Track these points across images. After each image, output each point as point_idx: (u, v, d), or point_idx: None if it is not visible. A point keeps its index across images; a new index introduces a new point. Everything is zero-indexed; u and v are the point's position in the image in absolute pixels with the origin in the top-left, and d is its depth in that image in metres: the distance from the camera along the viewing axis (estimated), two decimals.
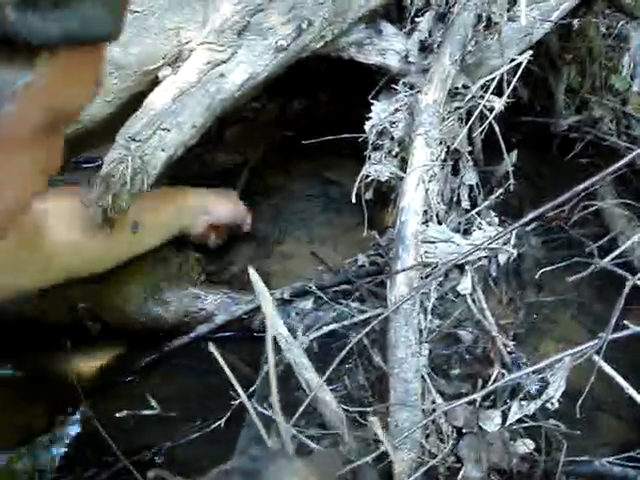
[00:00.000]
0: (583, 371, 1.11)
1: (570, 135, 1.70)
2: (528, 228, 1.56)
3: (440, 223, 1.39)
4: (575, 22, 1.68)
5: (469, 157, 1.38)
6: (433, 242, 1.36)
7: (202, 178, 1.62)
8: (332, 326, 1.30)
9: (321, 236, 1.60)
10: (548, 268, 1.39)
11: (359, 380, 1.31)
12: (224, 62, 1.19)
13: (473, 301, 1.39)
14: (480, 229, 1.41)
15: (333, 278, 1.38)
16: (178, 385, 1.37)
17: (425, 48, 1.28)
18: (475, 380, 1.30)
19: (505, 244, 1.42)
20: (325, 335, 1.34)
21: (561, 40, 1.72)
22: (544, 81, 1.77)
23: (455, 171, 1.42)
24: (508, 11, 1.29)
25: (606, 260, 1.23)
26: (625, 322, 1.12)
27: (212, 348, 0.98)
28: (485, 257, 1.40)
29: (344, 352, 1.14)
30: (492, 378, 1.25)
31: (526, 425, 1.18)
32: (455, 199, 1.42)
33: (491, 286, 1.46)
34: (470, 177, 1.38)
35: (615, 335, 1.10)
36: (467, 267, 1.39)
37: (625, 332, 1.11)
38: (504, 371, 1.28)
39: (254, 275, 1.18)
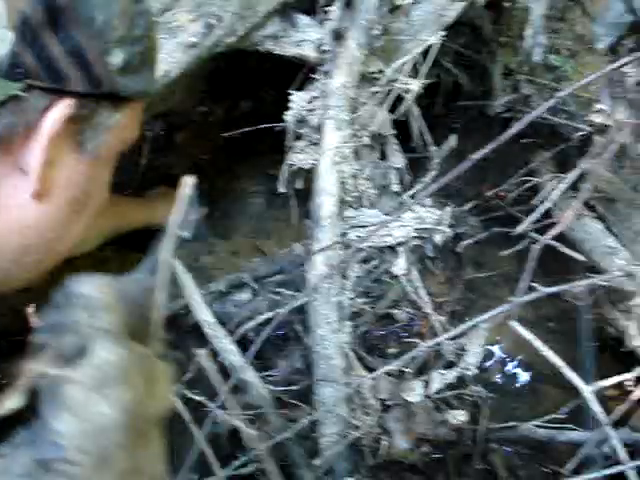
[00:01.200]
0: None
1: (508, 116, 1.72)
2: (466, 208, 1.58)
3: (372, 207, 1.43)
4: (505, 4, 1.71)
5: (395, 141, 1.40)
6: (365, 226, 1.39)
7: (153, 183, 1.65)
8: (265, 315, 1.31)
9: (266, 230, 1.63)
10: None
11: (296, 364, 1.33)
12: None
13: (409, 281, 1.41)
14: (413, 211, 1.43)
15: (268, 268, 1.40)
16: None
17: (339, 36, 1.31)
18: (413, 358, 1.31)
19: (439, 224, 1.44)
20: (262, 324, 1.36)
21: (494, 23, 1.74)
22: (483, 65, 1.79)
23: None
24: None
25: (522, 227, 1.24)
26: (534, 284, 1.14)
27: None
28: (418, 237, 1.42)
29: (265, 334, 1.16)
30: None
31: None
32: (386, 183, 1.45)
33: (429, 266, 1.49)
34: (397, 160, 1.40)
35: (526, 298, 1.11)
36: (400, 249, 1.41)
37: (535, 294, 1.12)
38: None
39: (176, 264, 1.22)
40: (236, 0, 1.26)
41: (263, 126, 1.35)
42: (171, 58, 1.24)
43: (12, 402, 0.48)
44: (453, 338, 1.15)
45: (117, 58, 0.68)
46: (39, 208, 0.71)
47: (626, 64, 1.00)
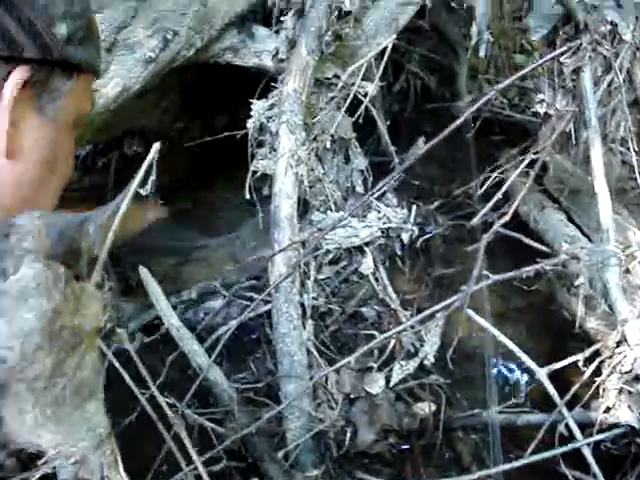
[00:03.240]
0: None
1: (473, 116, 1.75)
2: (433, 207, 1.62)
3: (338, 210, 1.46)
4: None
5: (357, 144, 1.44)
6: (332, 229, 1.42)
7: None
8: (236, 321, 1.34)
9: (244, 239, 1.67)
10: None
11: (268, 366, 1.36)
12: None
13: (376, 280, 1.44)
14: (377, 211, 1.46)
15: (239, 275, 1.44)
16: None
17: (293, 44, 1.35)
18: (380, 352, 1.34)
19: (405, 223, 1.47)
20: (236, 329, 1.39)
21: (459, 27, 1.79)
22: (450, 68, 1.83)
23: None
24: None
25: (477, 219, 1.27)
26: (486, 272, 1.17)
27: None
28: (385, 237, 1.45)
29: (228, 335, 1.19)
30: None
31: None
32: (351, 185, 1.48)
33: (398, 265, 1.52)
34: (359, 163, 1.44)
35: (478, 286, 1.14)
36: (367, 248, 1.44)
37: (485, 282, 1.15)
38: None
39: (144, 273, 1.26)
40: (192, 14, 1.31)
41: (224, 135, 1.38)
42: (131, 73, 1.29)
43: None
44: (411, 328, 1.17)
45: (62, 29, 0.78)
46: (13, 167, 0.79)
47: (561, 54, 1.03)
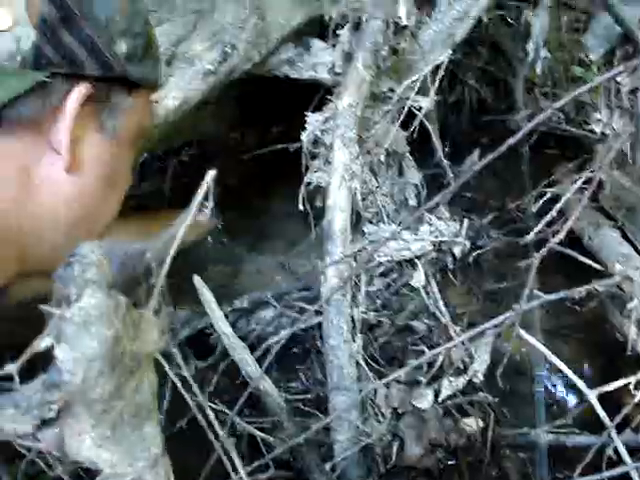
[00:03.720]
0: None
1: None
2: (487, 220, 1.61)
3: (391, 223, 1.47)
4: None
5: (410, 157, 1.45)
6: (385, 242, 1.43)
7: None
8: (287, 332, 1.35)
9: (297, 250, 1.68)
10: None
11: (317, 378, 1.37)
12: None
13: (427, 293, 1.44)
14: (430, 224, 1.46)
15: (291, 285, 1.45)
16: None
17: (349, 58, 1.37)
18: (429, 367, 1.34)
19: (457, 236, 1.47)
20: (287, 339, 1.40)
21: (515, 40, 1.78)
22: (505, 81, 1.82)
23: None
24: (423, 14, 1.37)
25: (531, 236, 1.27)
26: (536, 292, 1.17)
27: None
28: (437, 250, 1.45)
29: (278, 346, 1.21)
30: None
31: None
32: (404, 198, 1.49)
33: (450, 278, 1.52)
34: (413, 176, 1.45)
35: (530, 305, 1.14)
36: (418, 261, 1.45)
37: (537, 302, 1.15)
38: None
39: (197, 280, 1.29)
40: (249, 28, 1.33)
41: (280, 146, 1.40)
42: (190, 86, 1.32)
43: (44, 342, 0.59)
44: (462, 344, 1.18)
45: (122, 47, 0.82)
46: (75, 182, 0.84)
47: (618, 74, 1.03)
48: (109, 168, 0.89)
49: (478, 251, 1.50)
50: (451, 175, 1.46)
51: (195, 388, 1.02)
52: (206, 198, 0.66)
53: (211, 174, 0.66)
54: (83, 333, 0.58)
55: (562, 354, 1.37)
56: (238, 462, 0.91)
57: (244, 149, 1.92)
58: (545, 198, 1.57)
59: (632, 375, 1.12)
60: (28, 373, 0.59)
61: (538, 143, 1.82)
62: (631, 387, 1.07)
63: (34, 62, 0.76)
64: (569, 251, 1.33)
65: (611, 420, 1.06)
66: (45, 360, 0.61)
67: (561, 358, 1.20)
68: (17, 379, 0.56)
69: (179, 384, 1.09)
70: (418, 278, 1.42)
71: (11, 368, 0.55)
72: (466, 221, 1.47)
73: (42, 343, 0.58)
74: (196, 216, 0.67)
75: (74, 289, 0.60)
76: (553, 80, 1.75)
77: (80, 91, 0.80)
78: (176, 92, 1.31)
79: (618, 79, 1.18)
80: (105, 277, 0.61)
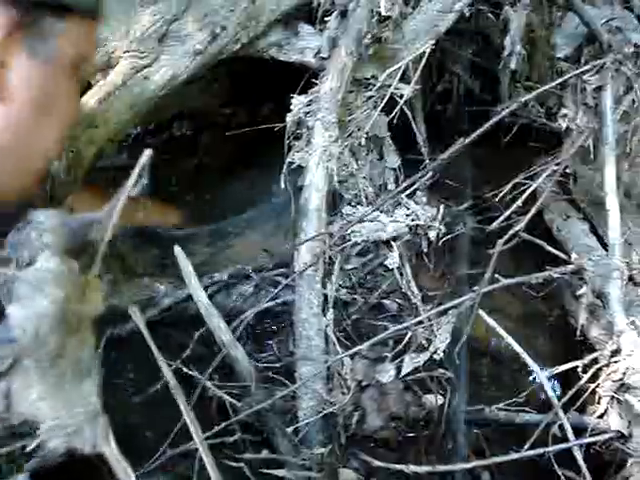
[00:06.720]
0: None
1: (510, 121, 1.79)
2: (462, 207, 1.67)
3: (369, 205, 1.52)
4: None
5: (391, 142, 1.50)
6: (362, 221, 1.48)
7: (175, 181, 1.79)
8: (264, 305, 1.41)
9: (279, 228, 1.73)
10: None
11: (289, 349, 1.43)
12: (148, 66, 1.36)
13: (401, 274, 1.50)
14: (407, 208, 1.52)
15: (270, 262, 1.51)
16: None
17: (335, 44, 1.42)
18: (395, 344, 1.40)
19: (433, 221, 1.53)
20: (264, 314, 1.46)
21: (503, 33, 1.82)
22: (494, 73, 1.87)
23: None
24: (407, 5, 1.42)
25: (496, 223, 1.33)
26: (497, 276, 1.23)
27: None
28: (412, 233, 1.51)
29: (251, 316, 1.27)
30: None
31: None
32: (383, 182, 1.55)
33: (424, 262, 1.57)
34: (392, 160, 1.50)
35: (489, 288, 1.20)
36: (394, 243, 1.50)
37: (497, 285, 1.21)
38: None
39: (177, 251, 1.34)
40: (240, 11, 1.38)
41: (264, 126, 1.45)
42: (179, 63, 1.37)
43: None
44: (419, 323, 1.24)
45: None
46: (4, 109, 0.85)
47: (584, 72, 1.08)
48: (39, 93, 0.88)
49: (452, 235, 1.55)
50: (428, 160, 1.50)
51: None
52: (141, 175, 0.71)
53: (147, 153, 0.71)
54: (36, 293, 0.63)
55: (528, 339, 1.43)
56: (184, 404, 0.94)
57: (234, 126, 1.98)
58: (521, 189, 1.63)
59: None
60: None
61: (520, 136, 1.87)
62: (579, 370, 1.13)
63: None
64: (537, 240, 1.40)
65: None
66: None
67: (527, 343, 1.28)
68: None
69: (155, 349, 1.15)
70: (393, 259, 1.48)
71: None
72: (442, 207, 1.52)
73: None
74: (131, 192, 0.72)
75: (27, 252, 0.65)
76: (539, 74, 1.79)
77: (6, 17, 0.81)
78: (165, 68, 1.37)
79: (584, 77, 1.23)
80: (60, 243, 0.66)
